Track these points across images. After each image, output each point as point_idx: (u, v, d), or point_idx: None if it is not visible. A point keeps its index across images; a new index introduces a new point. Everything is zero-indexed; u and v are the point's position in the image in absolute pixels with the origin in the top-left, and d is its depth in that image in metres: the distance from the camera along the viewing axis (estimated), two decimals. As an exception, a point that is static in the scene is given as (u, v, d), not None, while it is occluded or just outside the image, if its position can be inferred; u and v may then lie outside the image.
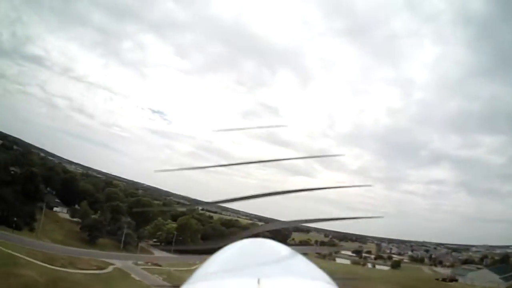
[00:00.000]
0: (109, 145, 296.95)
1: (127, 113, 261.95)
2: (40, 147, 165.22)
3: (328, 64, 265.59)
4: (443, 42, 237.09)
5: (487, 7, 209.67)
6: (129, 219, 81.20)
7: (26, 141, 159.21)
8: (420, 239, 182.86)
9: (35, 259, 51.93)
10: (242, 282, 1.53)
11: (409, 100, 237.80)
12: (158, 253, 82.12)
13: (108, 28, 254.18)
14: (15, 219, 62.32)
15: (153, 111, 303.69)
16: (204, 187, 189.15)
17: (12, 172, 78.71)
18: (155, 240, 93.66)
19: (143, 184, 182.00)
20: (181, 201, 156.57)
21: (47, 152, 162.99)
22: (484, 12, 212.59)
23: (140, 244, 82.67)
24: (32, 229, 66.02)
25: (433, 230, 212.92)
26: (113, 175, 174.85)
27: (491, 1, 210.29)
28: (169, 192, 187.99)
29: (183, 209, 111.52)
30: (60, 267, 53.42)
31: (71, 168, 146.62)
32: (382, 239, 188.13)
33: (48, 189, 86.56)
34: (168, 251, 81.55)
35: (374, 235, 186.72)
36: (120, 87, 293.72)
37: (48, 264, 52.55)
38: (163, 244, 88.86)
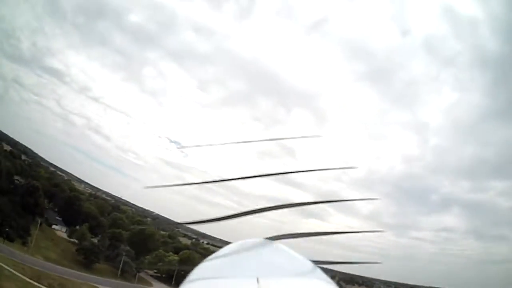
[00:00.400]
0: (121, 170, 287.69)
1: (144, 140, 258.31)
2: (50, 161, 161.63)
3: (345, 106, 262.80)
4: (459, 87, 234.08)
5: (504, 47, 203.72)
6: (128, 248, 75.08)
7: (37, 152, 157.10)
8: (427, 284, 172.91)
9: (21, 273, 45.98)
10: (241, 281, 1.54)
11: (424, 147, 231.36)
12: (158, 285, 74.59)
13: (130, 52, 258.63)
14: (7, 229, 56.89)
15: (170, 141, 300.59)
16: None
17: (16, 181, 74.44)
18: (155, 271, 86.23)
19: (153, 212, 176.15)
20: (188, 233, 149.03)
21: (57, 167, 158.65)
22: (501, 52, 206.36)
23: (139, 274, 75.41)
24: (24, 243, 60.20)
25: (439, 273, 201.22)
26: (122, 200, 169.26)
27: (508, 41, 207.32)
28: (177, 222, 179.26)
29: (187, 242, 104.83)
30: (47, 286, 47.08)
31: (80, 186, 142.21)
32: (388, 283, 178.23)
33: (50, 205, 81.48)
34: (169, 284, 73.91)
35: (381, 278, 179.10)
36: (138, 113, 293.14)
37: (35, 281, 46.39)
38: (164, 276, 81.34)
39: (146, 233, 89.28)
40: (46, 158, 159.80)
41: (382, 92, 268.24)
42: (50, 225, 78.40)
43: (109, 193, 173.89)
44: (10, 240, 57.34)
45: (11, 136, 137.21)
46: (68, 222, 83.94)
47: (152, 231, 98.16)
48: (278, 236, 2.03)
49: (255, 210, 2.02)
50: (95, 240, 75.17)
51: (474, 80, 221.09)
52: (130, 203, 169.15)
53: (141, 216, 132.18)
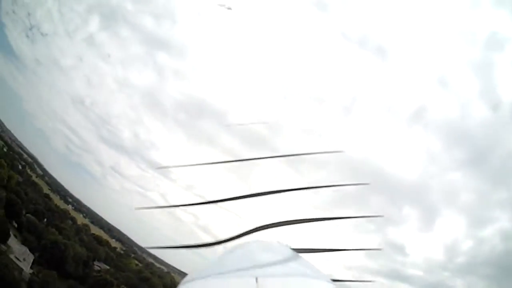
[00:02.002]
0: None
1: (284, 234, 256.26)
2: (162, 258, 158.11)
3: (451, 197, 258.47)
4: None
5: None
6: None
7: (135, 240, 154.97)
8: None
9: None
10: (240, 281, 1.54)
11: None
12: None
13: (238, 153, 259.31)
14: None
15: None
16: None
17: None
18: None
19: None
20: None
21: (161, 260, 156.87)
22: None
23: None
24: None
25: None
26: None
27: None
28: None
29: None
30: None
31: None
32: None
33: None
34: None
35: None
36: (248, 214, 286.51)
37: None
38: None
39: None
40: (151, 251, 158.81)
41: (481, 173, 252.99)
42: None
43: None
44: None
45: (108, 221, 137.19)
46: None
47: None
48: (272, 224, 2.12)
49: (269, 192, 2.17)
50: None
51: None
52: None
53: None
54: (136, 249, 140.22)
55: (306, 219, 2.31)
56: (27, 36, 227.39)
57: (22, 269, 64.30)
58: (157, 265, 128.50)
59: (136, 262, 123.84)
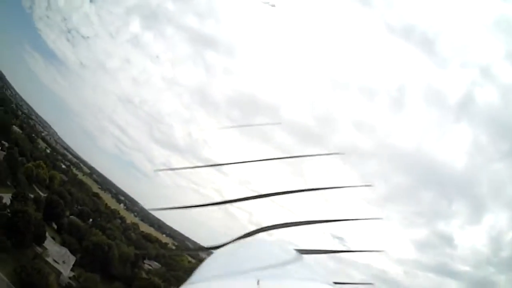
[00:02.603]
0: None
1: (306, 235, 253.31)
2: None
3: (498, 189, 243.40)
4: None
5: None
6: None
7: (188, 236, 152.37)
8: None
9: None
10: (242, 283, 1.55)
11: None
12: None
13: (290, 149, 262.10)
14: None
15: (334, 237, 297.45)
16: None
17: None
18: None
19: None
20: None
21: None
22: None
23: None
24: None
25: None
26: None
27: None
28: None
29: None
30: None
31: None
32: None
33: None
34: None
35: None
36: (300, 209, 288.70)
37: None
38: None
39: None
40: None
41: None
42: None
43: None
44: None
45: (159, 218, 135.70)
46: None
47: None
48: (273, 226, 2.09)
49: (277, 193, 2.11)
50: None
51: None
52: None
53: None
54: (188, 244, 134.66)
55: (311, 220, 2.23)
56: (68, 40, 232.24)
57: (60, 273, 58.01)
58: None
59: (189, 258, 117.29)
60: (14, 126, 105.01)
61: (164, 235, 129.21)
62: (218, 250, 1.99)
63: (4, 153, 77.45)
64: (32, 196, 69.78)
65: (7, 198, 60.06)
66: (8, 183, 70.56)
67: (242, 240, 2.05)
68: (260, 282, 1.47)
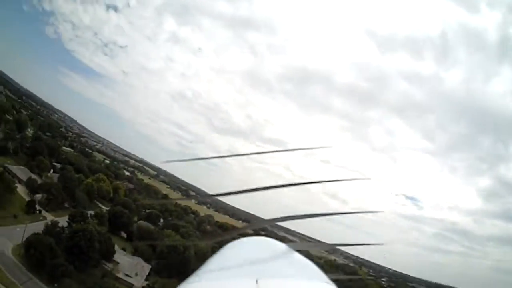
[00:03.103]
0: (358, 227, 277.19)
1: (380, 198, 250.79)
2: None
3: None
4: None
5: None
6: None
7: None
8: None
9: None
10: (241, 282, 1.56)
11: None
12: None
13: (351, 115, 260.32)
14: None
15: (406, 197, 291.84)
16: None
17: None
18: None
19: (389, 269, 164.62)
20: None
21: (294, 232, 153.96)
22: None
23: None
24: None
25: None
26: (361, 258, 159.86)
27: None
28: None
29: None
30: None
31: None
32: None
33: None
34: None
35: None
36: (371, 172, 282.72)
37: None
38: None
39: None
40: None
41: None
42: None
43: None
44: None
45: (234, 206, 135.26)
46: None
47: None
48: (274, 219, 2.10)
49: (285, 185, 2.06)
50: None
51: None
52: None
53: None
54: (267, 227, 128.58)
55: (308, 214, 2.17)
56: (105, 54, 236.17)
57: (132, 285, 53.61)
58: (289, 237, 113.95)
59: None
60: (64, 148, 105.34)
61: (240, 221, 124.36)
62: (220, 250, 1.98)
63: (57, 174, 75.71)
64: (92, 212, 66.67)
65: (64, 221, 56.92)
66: (66, 205, 68.11)
67: (245, 239, 2.06)
68: (258, 281, 1.47)
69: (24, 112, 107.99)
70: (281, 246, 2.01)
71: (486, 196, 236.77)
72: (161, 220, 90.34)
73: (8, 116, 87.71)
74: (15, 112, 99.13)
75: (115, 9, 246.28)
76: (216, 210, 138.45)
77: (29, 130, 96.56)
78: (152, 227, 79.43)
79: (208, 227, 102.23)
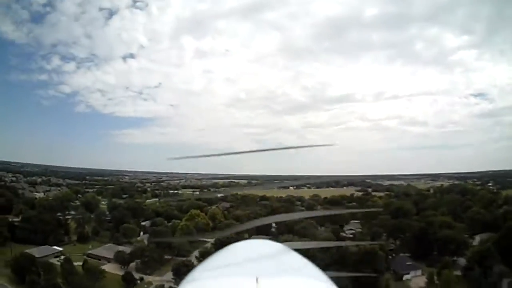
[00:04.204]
0: (447, 144, 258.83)
1: (454, 108, 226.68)
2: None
3: None
4: None
5: None
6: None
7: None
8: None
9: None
10: (241, 280, 1.58)
11: None
12: None
13: (393, 40, 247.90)
14: None
15: (475, 95, 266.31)
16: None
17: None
18: None
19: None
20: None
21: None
22: None
23: None
24: None
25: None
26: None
27: None
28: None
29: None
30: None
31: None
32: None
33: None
34: None
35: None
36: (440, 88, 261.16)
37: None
38: None
39: None
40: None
41: None
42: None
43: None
44: None
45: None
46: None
47: None
48: (274, 217, 2.24)
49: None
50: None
51: None
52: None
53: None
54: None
55: (307, 212, 2.34)
56: (145, 99, 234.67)
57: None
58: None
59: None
60: (147, 201, 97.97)
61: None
62: (220, 250, 2.00)
63: (146, 234, 66.61)
64: (197, 254, 54.74)
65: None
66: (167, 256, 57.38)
67: (244, 241, 2.09)
68: (259, 280, 1.49)
69: (91, 191, 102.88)
70: (280, 246, 2.01)
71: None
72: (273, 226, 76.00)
73: (74, 203, 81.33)
74: (80, 196, 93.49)
75: (132, 56, 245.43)
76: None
77: (103, 204, 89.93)
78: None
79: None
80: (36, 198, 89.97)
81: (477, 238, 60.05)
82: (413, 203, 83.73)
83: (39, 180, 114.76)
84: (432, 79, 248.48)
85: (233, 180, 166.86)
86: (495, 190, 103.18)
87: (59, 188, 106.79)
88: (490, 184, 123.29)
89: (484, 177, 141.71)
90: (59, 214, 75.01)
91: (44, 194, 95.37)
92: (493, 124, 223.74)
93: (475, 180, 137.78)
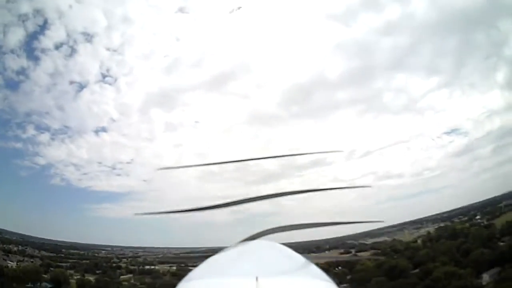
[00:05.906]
0: (427, 189, 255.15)
1: (429, 152, 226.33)
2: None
3: None
4: None
5: None
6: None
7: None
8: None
9: None
10: (241, 280, 1.57)
11: None
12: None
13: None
14: None
15: (448, 133, 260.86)
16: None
17: None
18: None
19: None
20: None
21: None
22: None
23: None
24: None
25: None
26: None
27: None
28: None
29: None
30: None
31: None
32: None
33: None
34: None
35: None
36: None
37: None
38: None
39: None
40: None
41: None
42: None
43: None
44: None
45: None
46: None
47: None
48: (276, 228, 2.13)
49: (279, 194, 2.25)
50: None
51: None
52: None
53: None
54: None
55: (312, 223, 2.30)
56: (118, 175, 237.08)
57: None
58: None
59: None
60: (121, 277, 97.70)
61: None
62: (220, 250, 2.02)
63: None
64: None
65: None
66: None
67: (245, 242, 2.08)
68: (258, 279, 1.47)
69: (65, 265, 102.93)
70: (280, 246, 1.98)
71: None
72: None
73: (44, 276, 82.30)
74: (52, 269, 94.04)
75: (104, 129, 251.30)
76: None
77: (72, 281, 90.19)
78: None
79: None
80: (7, 267, 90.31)
81: (485, 277, 58.95)
82: (407, 258, 78.97)
83: (14, 248, 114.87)
84: (404, 127, 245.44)
85: (212, 254, 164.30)
86: (486, 223, 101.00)
87: (32, 260, 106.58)
88: (478, 217, 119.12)
89: (470, 211, 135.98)
90: (27, 285, 75.66)
91: (17, 264, 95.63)
92: (470, 160, 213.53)
93: (460, 217, 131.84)
